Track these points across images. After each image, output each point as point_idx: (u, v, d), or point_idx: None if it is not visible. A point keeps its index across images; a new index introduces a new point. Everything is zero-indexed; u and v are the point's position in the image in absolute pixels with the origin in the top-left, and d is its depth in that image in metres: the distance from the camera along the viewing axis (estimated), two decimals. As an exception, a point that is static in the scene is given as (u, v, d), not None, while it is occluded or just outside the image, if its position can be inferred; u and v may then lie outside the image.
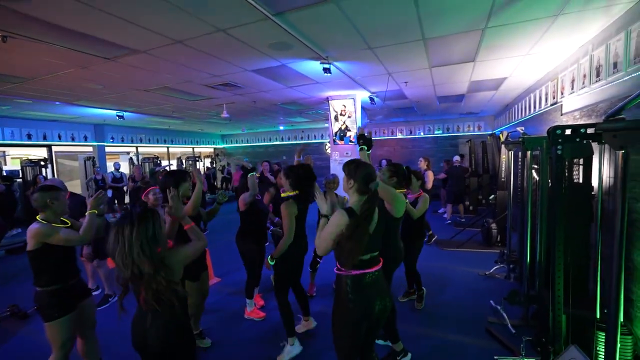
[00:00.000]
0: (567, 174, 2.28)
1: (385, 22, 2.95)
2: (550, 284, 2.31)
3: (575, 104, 3.71)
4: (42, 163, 8.71)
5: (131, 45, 3.33)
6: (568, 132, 2.08)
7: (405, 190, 2.51)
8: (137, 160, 11.84)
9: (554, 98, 4.53)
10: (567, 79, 4.05)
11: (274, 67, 4.23)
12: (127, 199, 8.65)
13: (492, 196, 5.35)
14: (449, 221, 7.19)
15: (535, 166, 3.25)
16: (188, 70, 4.27)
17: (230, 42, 3.24)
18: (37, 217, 2.02)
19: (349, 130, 6.33)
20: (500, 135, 5.00)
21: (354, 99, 5.99)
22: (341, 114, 6.24)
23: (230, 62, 3.97)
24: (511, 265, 3.98)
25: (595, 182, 2.30)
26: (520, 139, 2.97)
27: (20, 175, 8.24)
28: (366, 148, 2.35)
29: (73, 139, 9.58)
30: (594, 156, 2.31)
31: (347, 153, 6.46)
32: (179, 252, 1.59)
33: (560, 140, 2.08)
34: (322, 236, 1.62)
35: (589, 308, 2.14)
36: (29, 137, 8.62)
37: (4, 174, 8.25)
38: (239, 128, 12.86)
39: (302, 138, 13.44)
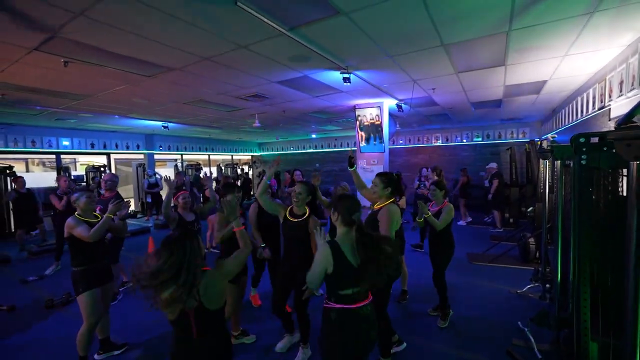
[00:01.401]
0: (605, 185, 2.07)
1: (399, 31, 2.94)
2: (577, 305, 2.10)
3: (624, 108, 3.34)
4: (102, 169, 9.88)
5: (167, 64, 3.69)
6: (595, 140, 1.90)
7: (394, 199, 2.47)
8: (182, 167, 12.85)
9: (601, 102, 4.10)
10: (615, 81, 3.66)
11: (296, 78, 4.39)
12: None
13: (531, 208, 4.94)
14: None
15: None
16: (218, 84, 4.59)
17: (252, 56, 3.45)
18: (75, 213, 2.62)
19: (378, 136, 6.25)
20: (539, 142, 4.62)
21: (380, 106, 5.94)
22: (368, 123, 6.22)
23: (255, 75, 4.20)
24: (547, 285, 3.64)
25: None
26: (549, 148, 2.75)
27: (85, 180, 9.42)
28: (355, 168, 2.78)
29: (127, 147, 10.67)
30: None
31: (374, 161, 6.40)
32: (223, 270, 1.59)
33: (584, 149, 1.91)
34: (312, 270, 1.64)
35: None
36: (92, 146, 9.80)
37: (72, 178, 9.53)
38: (274, 137, 13.33)
39: (334, 146, 13.55)
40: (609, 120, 3.74)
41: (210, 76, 4.18)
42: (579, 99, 5.07)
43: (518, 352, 2.67)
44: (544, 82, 4.82)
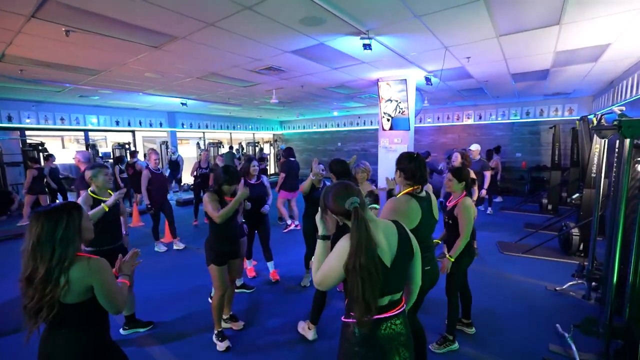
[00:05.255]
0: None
1: (430, -20, 2.44)
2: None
3: None
4: (127, 146, 10.11)
5: (170, 32, 3.42)
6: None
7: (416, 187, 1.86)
8: (204, 144, 12.92)
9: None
10: None
11: (312, 47, 3.97)
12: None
13: (577, 195, 4.33)
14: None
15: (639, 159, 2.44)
16: (228, 55, 4.27)
17: (259, 20, 3.08)
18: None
19: (403, 114, 5.71)
20: (594, 119, 3.95)
21: (406, 80, 5.38)
22: (391, 100, 5.69)
23: (266, 44, 3.83)
24: (593, 283, 3.17)
25: None
26: (615, 123, 2.22)
27: (112, 156, 9.71)
28: None
29: (151, 125, 10.80)
30: None
31: (397, 139, 5.92)
32: (92, 268, 1.28)
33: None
34: (323, 269, 1.25)
35: None
36: (117, 123, 9.98)
37: (100, 155, 9.85)
38: (294, 114, 12.97)
39: (357, 124, 12.99)
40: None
41: (217, 45, 3.87)
42: (649, 66, 4.25)
43: (556, 363, 2.31)
44: (607, 46, 4.04)
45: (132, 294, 2.77)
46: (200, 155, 7.40)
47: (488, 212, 7.21)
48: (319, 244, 1.35)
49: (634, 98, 4.77)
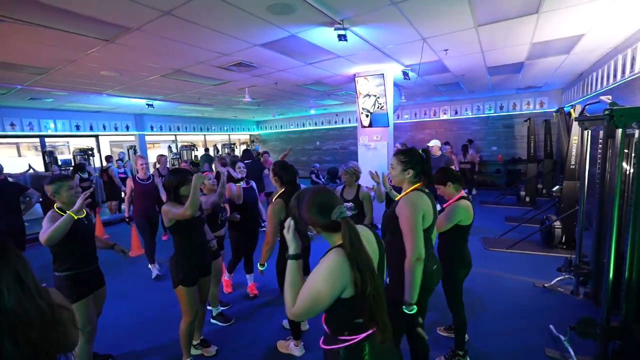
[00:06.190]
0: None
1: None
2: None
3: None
4: (89, 152, 9.36)
5: (122, 23, 3.02)
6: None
7: (420, 184, 1.68)
8: (176, 147, 12.28)
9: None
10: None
11: (283, 39, 3.68)
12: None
13: (557, 187, 4.32)
14: None
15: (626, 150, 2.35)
16: (192, 49, 3.90)
17: (221, 7, 2.75)
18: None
19: (382, 109, 5.52)
20: (572, 110, 3.93)
21: (383, 74, 5.20)
22: (370, 95, 5.50)
23: (233, 36, 3.50)
24: (581, 278, 3.11)
25: None
26: (606, 112, 2.10)
27: (72, 163, 8.96)
28: None
29: (116, 129, 10.05)
30: None
31: (377, 137, 5.74)
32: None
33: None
34: (305, 297, 1.02)
35: None
36: (77, 127, 9.20)
37: (59, 163, 9.06)
38: (269, 114, 12.59)
39: (335, 122, 12.80)
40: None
41: (177, 38, 3.49)
42: (620, 57, 4.29)
43: (555, 369, 2.17)
44: (580, 37, 4.03)
45: (94, 326, 2.28)
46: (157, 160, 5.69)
47: None
48: (291, 265, 1.11)
49: (603, 90, 4.83)
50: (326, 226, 1.06)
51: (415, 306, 1.56)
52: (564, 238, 4.17)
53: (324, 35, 3.60)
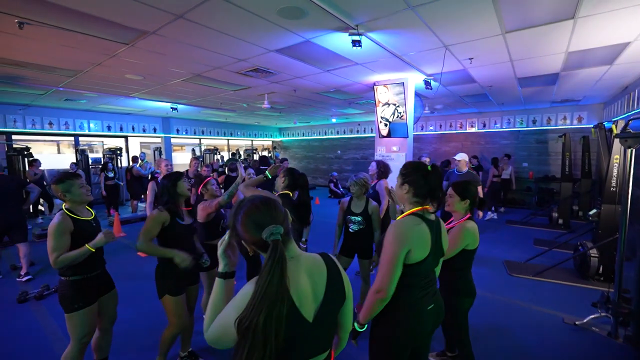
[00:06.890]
0: None
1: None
2: None
3: None
4: (118, 152, 9.81)
5: (138, 26, 3.08)
6: None
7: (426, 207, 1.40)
8: (200, 151, 12.61)
9: None
10: None
11: (298, 45, 3.61)
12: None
13: (594, 211, 3.87)
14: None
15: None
16: (208, 54, 3.93)
17: (232, 11, 2.72)
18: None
19: (401, 118, 5.29)
20: (613, 126, 3.52)
21: (404, 83, 5.00)
22: (389, 103, 5.30)
23: (246, 41, 3.48)
24: (621, 318, 2.70)
25: None
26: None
27: (101, 162, 9.43)
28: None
29: (144, 130, 10.49)
30: None
31: (394, 148, 5.51)
32: None
33: None
34: (219, 322, 0.90)
35: None
36: (109, 128, 9.70)
37: (90, 161, 9.60)
38: (291, 121, 12.66)
39: (357, 132, 12.62)
40: None
41: (192, 42, 3.52)
42: (672, 69, 3.83)
43: None
44: (625, 45, 3.63)
45: (110, 333, 2.22)
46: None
47: (487, 217, 6.96)
48: (218, 284, 0.98)
49: (654, 104, 4.34)
50: (259, 244, 0.90)
51: (366, 325, 1.42)
52: (600, 268, 3.71)
53: (339, 41, 3.49)
